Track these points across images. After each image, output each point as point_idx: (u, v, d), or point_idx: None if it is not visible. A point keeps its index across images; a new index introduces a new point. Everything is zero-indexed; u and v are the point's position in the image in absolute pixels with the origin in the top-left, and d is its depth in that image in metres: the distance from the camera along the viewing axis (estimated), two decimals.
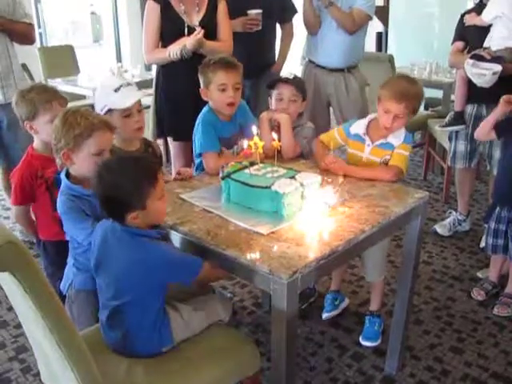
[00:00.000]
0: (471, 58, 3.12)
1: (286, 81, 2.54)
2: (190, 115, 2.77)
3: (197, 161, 2.50)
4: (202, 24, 2.98)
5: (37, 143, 2.36)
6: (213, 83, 2.42)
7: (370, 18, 3.54)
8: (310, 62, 3.73)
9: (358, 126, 2.41)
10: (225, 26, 3.08)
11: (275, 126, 2.48)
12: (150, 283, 1.67)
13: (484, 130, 2.88)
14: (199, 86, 2.51)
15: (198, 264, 1.72)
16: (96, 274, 1.79)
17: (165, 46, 3.03)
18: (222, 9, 3.07)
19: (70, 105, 2.41)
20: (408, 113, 2.28)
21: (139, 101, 2.28)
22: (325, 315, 2.78)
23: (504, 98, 2.74)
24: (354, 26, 3.45)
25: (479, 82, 3.14)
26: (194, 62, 2.85)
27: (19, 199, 2.30)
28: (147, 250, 1.66)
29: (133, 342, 1.74)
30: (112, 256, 1.71)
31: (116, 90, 2.20)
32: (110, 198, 1.65)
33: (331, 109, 3.81)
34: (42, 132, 2.30)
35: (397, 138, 2.32)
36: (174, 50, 2.91)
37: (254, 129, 2.11)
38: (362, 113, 3.46)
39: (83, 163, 1.94)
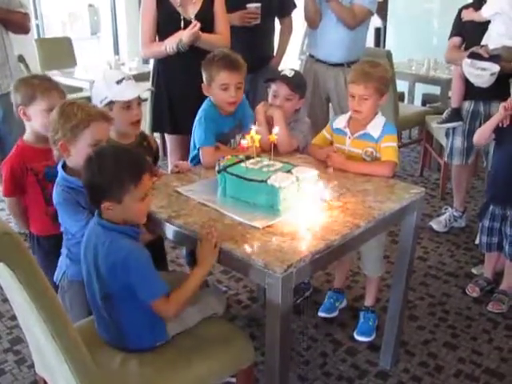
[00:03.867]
0: (469, 57, 3.13)
1: (283, 79, 2.53)
2: (187, 109, 2.77)
3: (193, 153, 2.50)
4: (199, 17, 2.95)
5: (28, 134, 2.31)
6: (215, 82, 2.41)
7: (372, 14, 3.52)
8: (311, 56, 3.72)
9: (340, 120, 2.44)
10: (221, 18, 3.06)
11: (270, 121, 2.48)
12: (119, 280, 1.64)
13: (485, 136, 2.85)
14: (196, 80, 2.51)
15: (162, 289, 1.65)
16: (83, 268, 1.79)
17: (161, 39, 3.01)
18: (218, 1, 3.05)
19: (67, 97, 2.40)
20: (371, 94, 2.29)
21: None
22: (322, 314, 2.76)
23: (503, 104, 2.73)
24: (355, 22, 3.43)
25: (477, 81, 3.15)
26: (191, 55, 2.86)
27: (9, 191, 2.26)
28: (114, 245, 1.64)
29: (126, 337, 1.73)
30: (92, 249, 1.70)
31: (118, 82, 2.19)
32: (92, 181, 1.66)
33: (331, 104, 3.80)
34: (36, 120, 2.24)
35: (376, 129, 2.33)
36: (171, 44, 2.90)
37: (254, 126, 2.10)
38: None
39: (80, 154, 1.92)
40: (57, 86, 2.33)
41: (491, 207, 2.83)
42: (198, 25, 2.85)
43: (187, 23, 2.93)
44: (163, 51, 2.96)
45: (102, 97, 2.21)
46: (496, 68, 3.02)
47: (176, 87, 3.07)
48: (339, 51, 3.54)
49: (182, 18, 2.96)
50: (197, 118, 2.47)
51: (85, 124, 1.92)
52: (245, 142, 2.03)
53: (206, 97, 2.50)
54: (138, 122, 2.28)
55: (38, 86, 2.25)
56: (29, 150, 2.26)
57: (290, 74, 2.53)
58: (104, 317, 1.75)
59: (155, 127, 3.29)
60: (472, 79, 3.17)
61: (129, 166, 1.66)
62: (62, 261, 2.08)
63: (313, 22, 3.56)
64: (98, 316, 1.78)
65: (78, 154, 1.94)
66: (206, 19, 2.97)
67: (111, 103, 2.20)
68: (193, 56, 2.79)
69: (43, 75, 2.49)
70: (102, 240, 1.67)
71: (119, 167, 1.64)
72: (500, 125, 2.75)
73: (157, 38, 3.07)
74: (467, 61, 3.12)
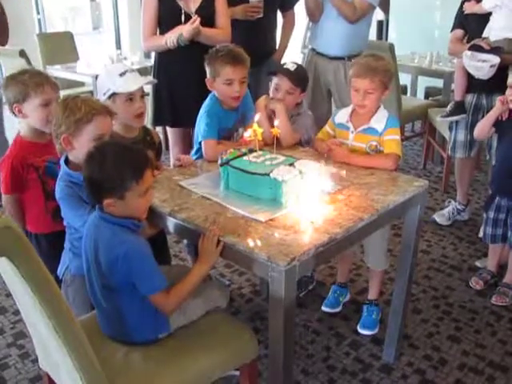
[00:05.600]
0: (469, 49, 3.12)
1: (285, 73, 2.52)
2: (188, 103, 2.76)
3: (196, 146, 2.50)
4: (200, 11, 2.95)
5: (25, 130, 2.28)
6: (220, 77, 2.41)
7: (374, 8, 3.49)
8: (312, 49, 3.71)
9: (342, 115, 2.42)
10: (223, 13, 3.05)
11: (271, 114, 2.48)
12: (120, 273, 1.64)
13: (484, 130, 2.86)
14: (198, 73, 2.50)
15: (161, 284, 1.66)
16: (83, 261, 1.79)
17: (162, 33, 3.01)
18: None
19: (69, 92, 2.39)
20: (377, 88, 2.28)
21: (142, 86, 2.27)
22: (326, 309, 2.76)
23: (500, 98, 2.73)
24: (355, 15, 3.40)
25: (477, 74, 3.14)
26: (192, 49, 2.86)
27: (9, 188, 2.23)
28: (115, 238, 1.65)
29: (128, 329, 1.73)
30: (92, 242, 1.70)
31: (121, 75, 2.19)
32: (93, 178, 1.65)
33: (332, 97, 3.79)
34: (32, 116, 2.22)
35: (380, 122, 2.32)
36: (171, 38, 2.90)
37: (256, 117, 2.10)
38: None
39: (83, 148, 1.91)
40: (48, 79, 2.30)
41: (497, 198, 2.82)
42: (198, 19, 2.84)
43: (188, 17, 2.92)
44: (164, 45, 2.95)
45: (105, 89, 2.21)
46: (496, 59, 3.01)
47: (177, 81, 3.07)
48: (339, 44, 3.52)
49: (183, 12, 2.96)
50: (201, 112, 2.47)
51: (88, 118, 1.92)
52: (247, 135, 2.02)
53: (208, 90, 2.49)
54: (142, 114, 2.27)
55: (30, 82, 2.21)
56: (28, 145, 2.25)
57: (292, 67, 2.52)
58: (105, 310, 1.75)
59: (157, 121, 3.29)
60: (472, 71, 3.16)
61: (130, 164, 1.65)
62: (66, 255, 2.09)
63: (313, 16, 3.54)
64: (100, 310, 1.78)
65: (81, 148, 1.93)
66: (208, 13, 2.96)
67: (114, 95, 2.20)
68: (194, 49, 2.78)
69: (32, 69, 2.46)
70: (102, 233, 1.67)
71: (121, 166, 1.63)
72: (499, 118, 2.76)
73: (158, 32, 3.06)
74: (467, 53, 3.11)
